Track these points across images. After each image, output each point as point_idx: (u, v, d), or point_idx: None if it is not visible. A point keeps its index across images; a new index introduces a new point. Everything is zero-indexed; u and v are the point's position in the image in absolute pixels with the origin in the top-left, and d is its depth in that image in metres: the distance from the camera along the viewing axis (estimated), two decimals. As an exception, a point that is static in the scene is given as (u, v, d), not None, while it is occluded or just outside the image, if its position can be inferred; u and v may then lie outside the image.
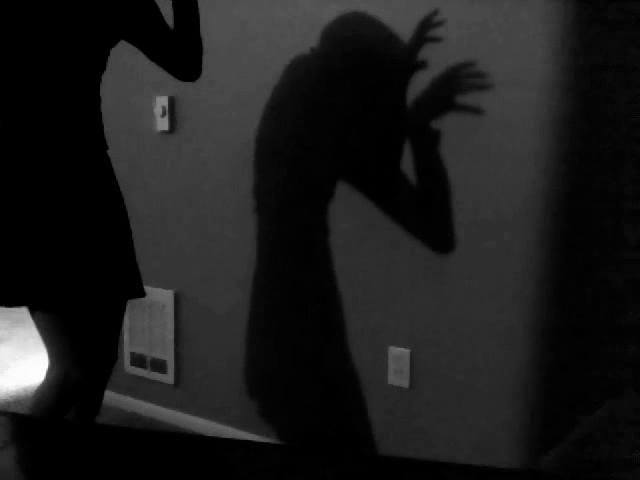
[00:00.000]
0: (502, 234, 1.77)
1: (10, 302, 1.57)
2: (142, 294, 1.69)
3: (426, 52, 1.85)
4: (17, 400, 2.74)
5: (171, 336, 2.48)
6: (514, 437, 1.79)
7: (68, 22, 1.45)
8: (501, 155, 1.75)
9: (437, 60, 1.83)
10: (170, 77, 2.41)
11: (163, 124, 2.42)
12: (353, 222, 2.02)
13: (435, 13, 1.84)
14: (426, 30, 1.87)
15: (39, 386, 1.63)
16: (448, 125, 1.83)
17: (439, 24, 1.84)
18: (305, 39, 2.07)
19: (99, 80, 1.57)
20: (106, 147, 1.60)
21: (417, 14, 1.86)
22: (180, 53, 1.61)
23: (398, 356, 1.96)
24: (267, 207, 2.20)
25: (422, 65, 1.86)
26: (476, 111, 1.77)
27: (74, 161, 1.51)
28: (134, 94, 2.51)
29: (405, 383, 1.95)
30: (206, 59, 2.31)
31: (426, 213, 1.88)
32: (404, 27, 1.88)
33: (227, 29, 2.24)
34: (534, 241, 1.72)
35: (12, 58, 1.47)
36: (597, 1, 1.59)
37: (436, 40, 1.84)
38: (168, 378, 2.50)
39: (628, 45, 1.56)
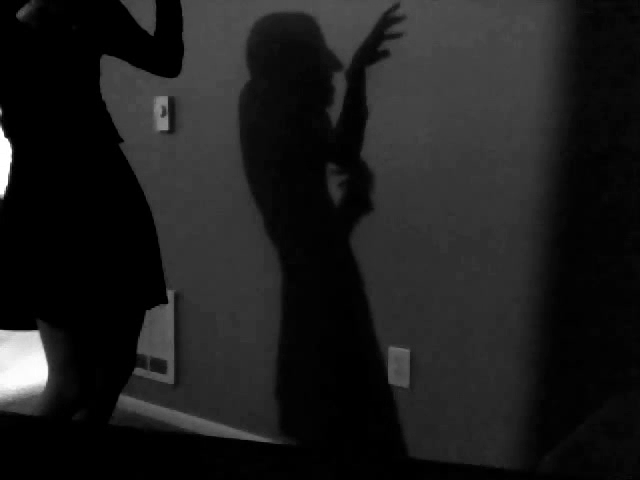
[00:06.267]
0: (502, 235, 1.77)
1: (27, 323, 1.57)
2: (165, 300, 1.67)
3: (422, 50, 1.85)
4: (17, 400, 2.74)
5: (171, 336, 2.48)
6: (514, 437, 1.79)
7: (55, 46, 1.48)
8: (500, 155, 1.75)
9: (437, 57, 1.84)
10: (170, 77, 2.41)
11: (163, 124, 2.42)
12: (353, 222, 2.02)
13: (397, 7, 1.86)
14: (387, 25, 1.88)
15: (39, 398, 1.62)
16: (447, 126, 1.83)
17: (400, 19, 1.85)
18: (305, 39, 2.07)
19: (96, 84, 1.59)
20: (118, 140, 1.60)
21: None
22: (161, 57, 1.62)
23: (398, 356, 1.96)
24: (267, 207, 2.20)
25: (385, 55, 1.88)
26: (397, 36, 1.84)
27: (82, 162, 1.51)
28: (134, 94, 2.51)
29: (405, 383, 1.95)
30: (206, 59, 2.31)
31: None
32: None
33: (228, 29, 2.24)
34: (535, 242, 1.72)
35: (16, 79, 1.50)
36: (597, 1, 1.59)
37: (397, 36, 1.86)
38: (168, 378, 2.50)
39: (629, 43, 1.56)
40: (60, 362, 1.55)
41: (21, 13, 1.45)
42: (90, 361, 1.58)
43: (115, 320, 1.66)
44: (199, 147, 2.35)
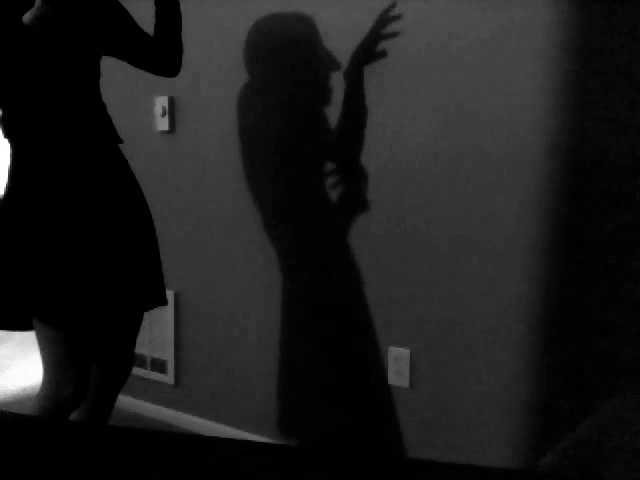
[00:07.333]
0: (503, 236, 1.77)
1: (26, 323, 1.57)
2: (164, 302, 1.67)
3: (422, 52, 1.85)
4: (17, 400, 2.74)
5: (171, 336, 2.48)
6: (514, 437, 1.79)
7: (58, 49, 1.49)
8: (500, 155, 1.75)
9: (436, 57, 1.83)
10: (170, 77, 2.41)
11: (163, 124, 2.42)
12: (353, 222, 2.02)
13: (394, 6, 1.86)
14: (385, 25, 1.89)
15: (35, 398, 1.62)
16: (447, 125, 1.83)
17: (397, 18, 1.86)
18: (304, 39, 2.07)
19: (96, 86, 1.60)
20: (118, 141, 1.60)
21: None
22: (161, 57, 1.62)
23: (398, 356, 1.96)
24: (267, 207, 2.20)
25: (382, 55, 1.88)
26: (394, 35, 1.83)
27: (81, 162, 1.52)
28: (134, 94, 2.51)
29: (405, 383, 1.95)
30: (206, 59, 2.31)
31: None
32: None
33: (228, 29, 2.24)
34: (535, 242, 1.72)
35: (17, 80, 1.51)
36: (597, 1, 1.59)
37: (394, 36, 1.86)
38: (168, 378, 2.50)
39: (629, 44, 1.56)
40: (56, 362, 1.55)
41: (27, 17, 1.46)
42: (85, 361, 1.58)
43: (113, 321, 1.66)
44: (199, 147, 2.35)
